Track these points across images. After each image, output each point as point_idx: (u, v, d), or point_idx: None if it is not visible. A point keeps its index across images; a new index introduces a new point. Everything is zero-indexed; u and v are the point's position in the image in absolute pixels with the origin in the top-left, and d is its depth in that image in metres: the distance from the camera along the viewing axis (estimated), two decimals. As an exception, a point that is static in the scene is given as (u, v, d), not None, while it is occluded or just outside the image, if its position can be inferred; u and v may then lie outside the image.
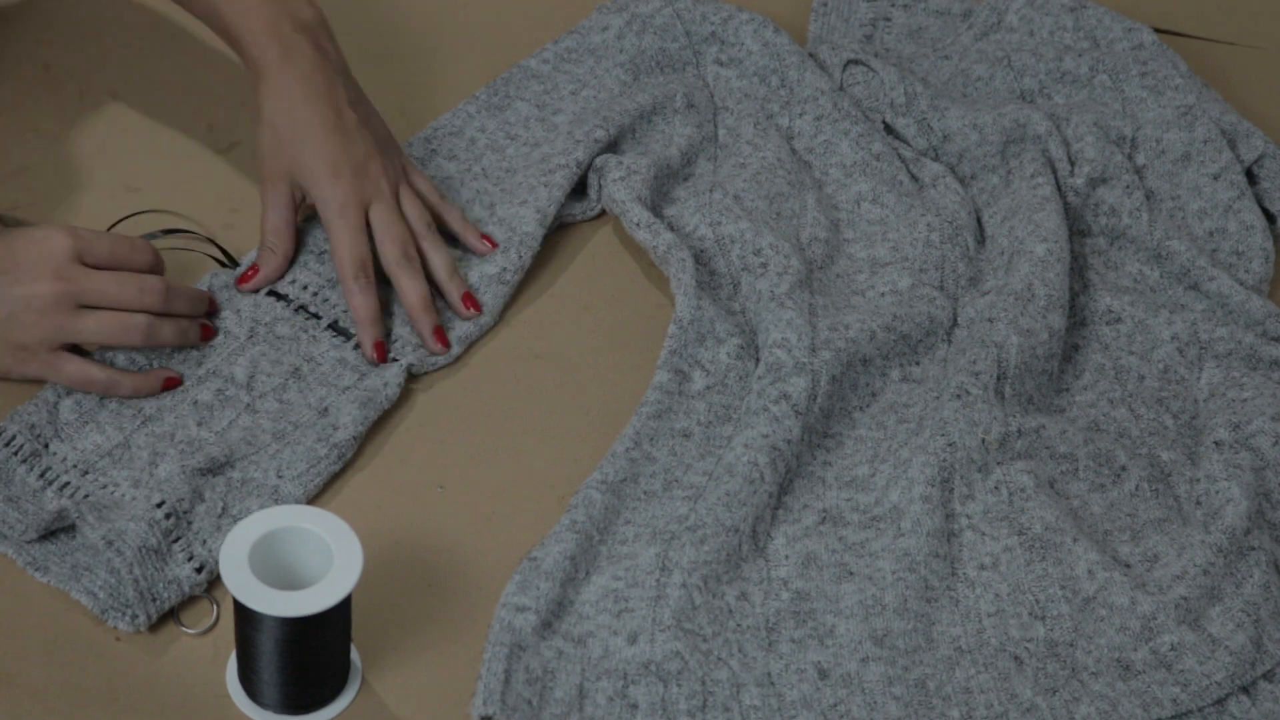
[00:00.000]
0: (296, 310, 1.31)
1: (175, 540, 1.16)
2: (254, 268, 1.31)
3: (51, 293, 1.19)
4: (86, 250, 1.20)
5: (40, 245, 1.19)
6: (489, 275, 1.34)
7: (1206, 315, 1.37)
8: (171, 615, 1.15)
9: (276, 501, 1.20)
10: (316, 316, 1.31)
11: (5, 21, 1.50)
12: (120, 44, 1.50)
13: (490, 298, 1.33)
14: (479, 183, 1.42)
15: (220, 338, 1.28)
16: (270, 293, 1.31)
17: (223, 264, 1.34)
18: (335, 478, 1.24)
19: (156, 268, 1.25)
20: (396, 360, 1.29)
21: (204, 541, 1.17)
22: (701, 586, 1.16)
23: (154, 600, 1.14)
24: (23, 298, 1.19)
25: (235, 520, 1.18)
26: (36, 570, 1.16)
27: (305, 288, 1.32)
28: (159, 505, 1.17)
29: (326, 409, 1.25)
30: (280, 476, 1.21)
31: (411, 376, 1.30)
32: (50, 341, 1.21)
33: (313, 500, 1.22)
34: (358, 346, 1.29)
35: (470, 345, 1.32)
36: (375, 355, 1.28)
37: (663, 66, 1.51)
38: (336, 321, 1.31)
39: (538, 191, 1.38)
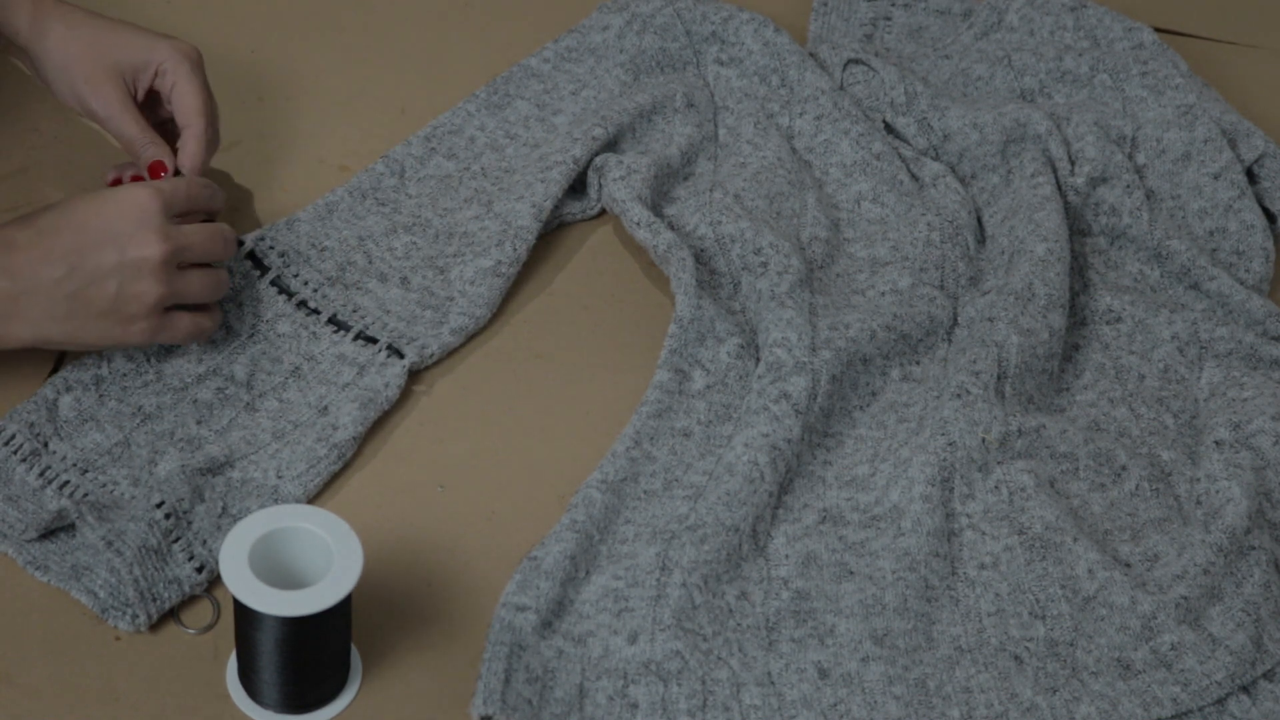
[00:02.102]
0: (298, 306, 1.31)
1: (175, 540, 1.16)
2: (158, 165, 1.29)
3: (160, 255, 1.17)
4: (171, 202, 1.19)
5: (131, 207, 1.17)
6: (484, 269, 1.34)
7: (1207, 315, 1.37)
8: (171, 615, 1.15)
9: (276, 501, 1.20)
10: (316, 312, 1.31)
11: (5, 21, 1.50)
12: (120, 44, 1.51)
13: (486, 290, 1.33)
14: (477, 181, 1.42)
15: (222, 333, 1.28)
16: (274, 284, 1.31)
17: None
18: (335, 477, 1.24)
19: (221, 206, 1.26)
20: (377, 341, 1.29)
21: (204, 541, 1.17)
22: (702, 586, 1.16)
23: (154, 600, 1.14)
24: (133, 264, 1.17)
25: (235, 520, 1.18)
26: (37, 569, 1.16)
27: (306, 283, 1.32)
28: (159, 505, 1.17)
29: (326, 408, 1.25)
30: (280, 476, 1.21)
31: (411, 375, 1.30)
32: (160, 305, 1.19)
33: (313, 500, 1.22)
34: (357, 338, 1.29)
35: (469, 339, 1.32)
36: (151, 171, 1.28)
37: (663, 66, 1.51)
38: (335, 315, 1.31)
39: (534, 188, 1.38)
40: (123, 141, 1.30)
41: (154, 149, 1.29)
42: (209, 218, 1.27)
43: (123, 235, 1.17)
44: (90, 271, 1.16)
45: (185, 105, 1.31)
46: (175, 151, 1.30)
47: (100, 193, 1.18)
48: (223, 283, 1.24)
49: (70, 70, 1.29)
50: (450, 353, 1.32)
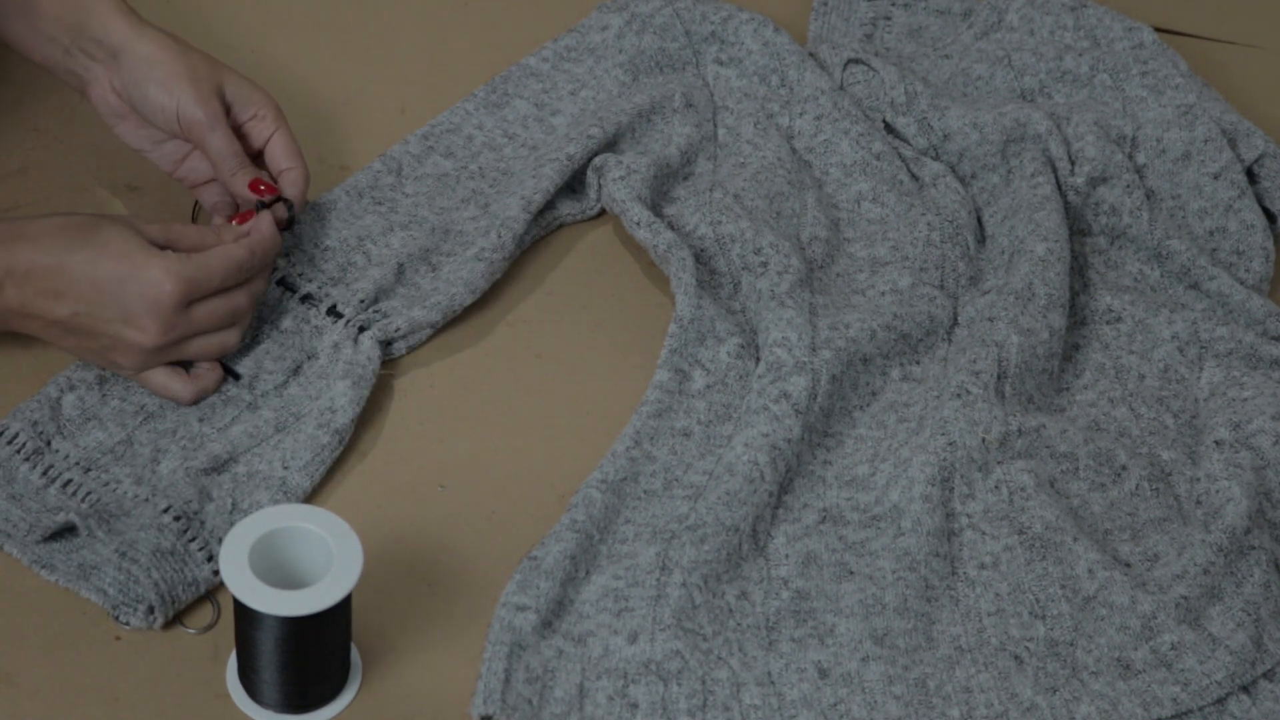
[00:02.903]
0: (302, 300, 1.31)
1: (191, 540, 1.16)
2: (258, 184, 1.29)
3: (151, 344, 1.20)
4: (194, 292, 1.20)
5: (149, 292, 1.18)
6: (467, 256, 1.34)
7: (1207, 314, 1.37)
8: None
9: (285, 492, 1.20)
10: (316, 304, 1.31)
11: (5, 21, 1.50)
12: (120, 44, 1.50)
13: (467, 274, 1.33)
14: (475, 181, 1.42)
15: None
16: (280, 282, 1.31)
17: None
18: (335, 477, 1.24)
19: (264, 274, 1.26)
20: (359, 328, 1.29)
21: (220, 540, 1.17)
22: (702, 586, 1.16)
23: (174, 603, 1.14)
24: (124, 341, 1.19)
25: (247, 515, 1.18)
26: (43, 569, 1.16)
27: (310, 280, 1.32)
28: (165, 510, 1.17)
29: (321, 394, 1.25)
30: (286, 467, 1.21)
31: (400, 360, 1.30)
32: (138, 373, 1.22)
33: (316, 493, 1.22)
34: (348, 323, 1.28)
35: (447, 319, 1.32)
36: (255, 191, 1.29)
37: (662, 66, 1.51)
38: (335, 306, 1.30)
39: (526, 184, 1.38)
40: (212, 154, 1.29)
41: (249, 169, 1.30)
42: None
43: (128, 313, 1.18)
44: (86, 325, 1.19)
45: (288, 150, 1.31)
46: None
47: (134, 257, 1.18)
48: (227, 346, 1.24)
49: (176, 76, 1.28)
50: (433, 335, 1.32)
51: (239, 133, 1.32)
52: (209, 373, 1.25)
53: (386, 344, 1.30)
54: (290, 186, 1.31)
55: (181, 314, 1.20)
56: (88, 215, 1.20)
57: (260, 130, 1.32)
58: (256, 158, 1.32)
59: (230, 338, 1.24)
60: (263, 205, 1.28)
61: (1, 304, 1.17)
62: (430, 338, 1.33)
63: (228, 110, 1.30)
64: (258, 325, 1.29)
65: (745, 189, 1.42)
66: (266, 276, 1.27)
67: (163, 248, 1.21)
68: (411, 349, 1.32)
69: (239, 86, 1.31)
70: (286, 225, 1.30)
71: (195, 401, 1.24)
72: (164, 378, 1.23)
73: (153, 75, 1.28)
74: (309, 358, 1.28)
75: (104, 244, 1.18)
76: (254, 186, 1.29)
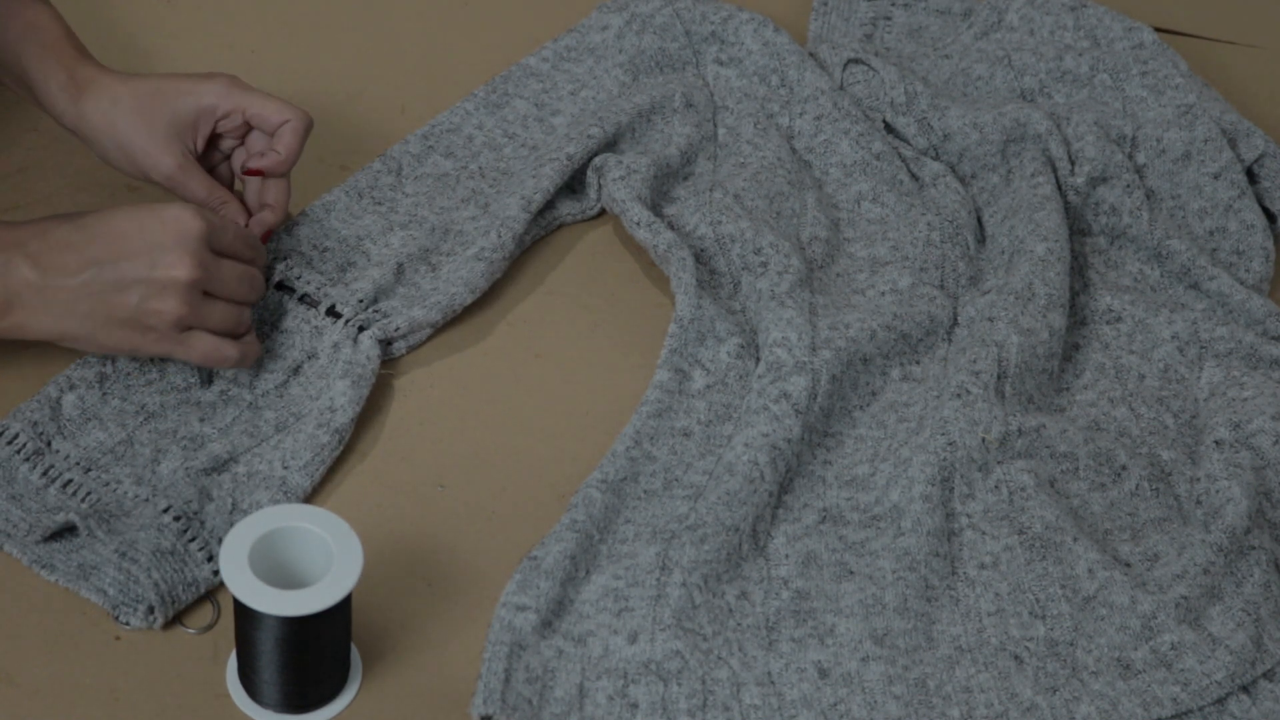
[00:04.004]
0: (301, 300, 1.31)
1: (191, 540, 1.16)
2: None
3: (188, 279, 1.17)
4: (215, 236, 1.19)
5: (173, 226, 1.16)
6: (467, 256, 1.34)
7: (1207, 314, 1.37)
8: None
9: (285, 492, 1.20)
10: (315, 304, 1.31)
11: (5, 21, 1.50)
12: (119, 44, 1.50)
13: (466, 273, 1.33)
14: (474, 181, 1.42)
15: None
16: (280, 285, 1.31)
17: None
18: (335, 477, 1.24)
19: (261, 262, 1.25)
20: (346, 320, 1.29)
21: (220, 540, 1.17)
22: (702, 585, 1.16)
23: (174, 603, 1.14)
24: (159, 281, 1.16)
25: (247, 515, 1.18)
26: (43, 569, 1.16)
27: (309, 283, 1.32)
28: (165, 510, 1.17)
29: (321, 393, 1.25)
30: (286, 467, 1.21)
31: (398, 360, 1.30)
32: (180, 325, 1.19)
33: (315, 494, 1.22)
34: (348, 323, 1.28)
35: (446, 318, 1.32)
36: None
37: (662, 66, 1.51)
38: (334, 306, 1.30)
39: (525, 184, 1.38)
40: (192, 201, 1.29)
41: (232, 206, 1.30)
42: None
43: (157, 250, 1.16)
44: (115, 279, 1.16)
45: (268, 111, 1.29)
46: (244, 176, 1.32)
47: (146, 205, 1.18)
48: (243, 320, 1.23)
49: (123, 145, 1.28)
50: (433, 335, 1.32)
51: (216, 139, 1.31)
52: (253, 341, 1.23)
53: (386, 343, 1.30)
54: (282, 142, 1.29)
55: (210, 254, 1.18)
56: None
57: (230, 126, 1.31)
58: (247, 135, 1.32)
59: (246, 315, 1.23)
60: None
61: (18, 280, 1.15)
62: (430, 337, 1.33)
63: (195, 129, 1.29)
64: (258, 326, 1.29)
65: (745, 189, 1.42)
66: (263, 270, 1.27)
67: None
68: (411, 348, 1.32)
69: (186, 102, 1.28)
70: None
71: (245, 364, 1.23)
72: (212, 340, 1.20)
73: (108, 151, 1.28)
74: (309, 358, 1.28)
75: (115, 208, 1.17)
76: None
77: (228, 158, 1.33)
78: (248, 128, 1.31)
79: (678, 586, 1.16)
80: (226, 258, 1.21)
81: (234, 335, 1.22)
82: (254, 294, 1.23)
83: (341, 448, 1.23)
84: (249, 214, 1.31)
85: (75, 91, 1.28)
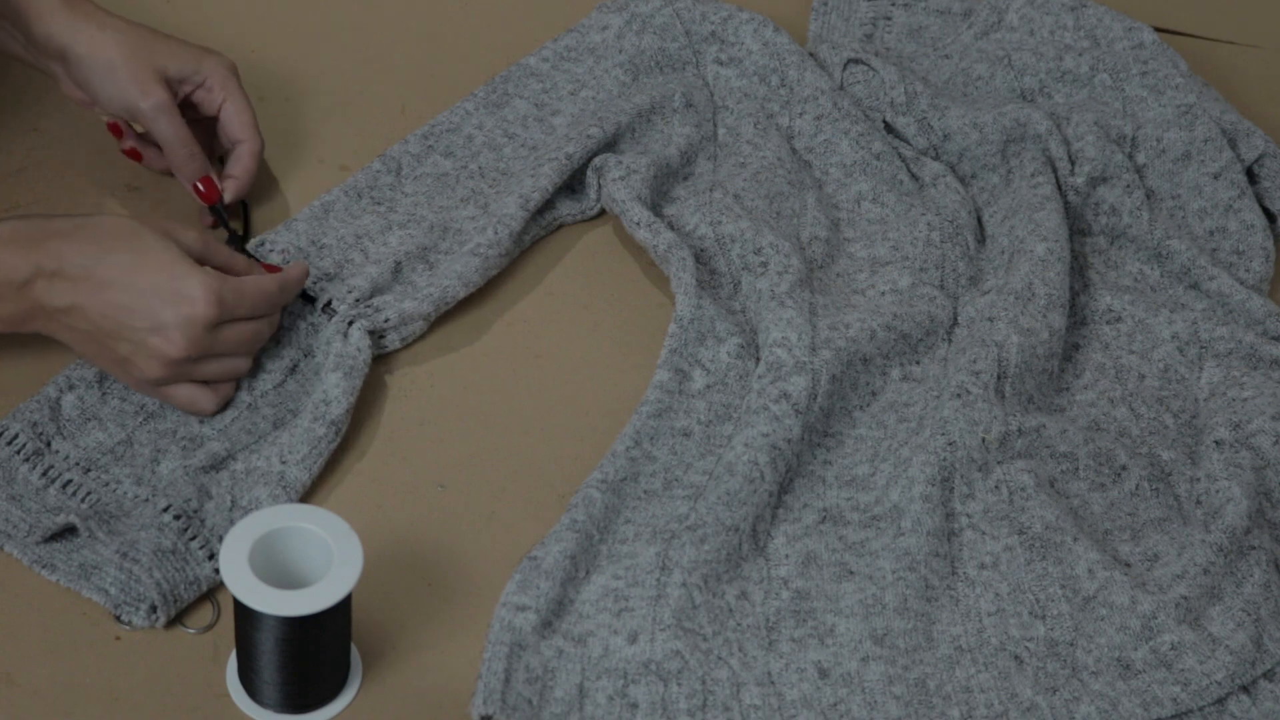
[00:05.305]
0: (299, 297, 1.31)
1: (192, 539, 1.16)
2: (207, 182, 1.32)
3: (177, 356, 1.18)
4: (226, 315, 1.19)
5: (184, 307, 1.17)
6: (464, 251, 1.34)
7: (1207, 314, 1.37)
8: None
9: (283, 487, 1.20)
10: (312, 300, 1.31)
11: (5, 21, 1.50)
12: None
13: (460, 267, 1.33)
14: (474, 181, 1.42)
15: None
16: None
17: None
18: (335, 477, 1.24)
19: (278, 311, 1.26)
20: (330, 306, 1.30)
21: (220, 538, 1.17)
22: (701, 586, 1.16)
23: (176, 602, 1.14)
24: (149, 347, 1.18)
25: (247, 512, 1.18)
26: (44, 569, 1.16)
27: (308, 279, 1.32)
28: (165, 509, 1.17)
29: (315, 389, 1.25)
30: (284, 462, 1.21)
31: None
32: (158, 384, 1.21)
33: (315, 494, 1.22)
34: (341, 318, 1.28)
35: (439, 310, 1.32)
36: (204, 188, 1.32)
37: (662, 66, 1.51)
38: (330, 302, 1.30)
39: (525, 183, 1.38)
40: (164, 142, 1.31)
41: (199, 161, 1.31)
42: None
43: (158, 322, 1.17)
44: (113, 329, 1.17)
45: (239, 120, 1.33)
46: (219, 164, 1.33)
47: (175, 267, 1.17)
48: (237, 372, 1.23)
49: (115, 69, 1.29)
50: (430, 332, 1.32)
51: (190, 103, 1.32)
52: (228, 385, 1.25)
53: (380, 336, 1.30)
54: (237, 163, 1.33)
55: (210, 333, 1.19)
56: (128, 219, 1.19)
57: (209, 100, 1.33)
58: (215, 125, 1.35)
59: (243, 364, 1.24)
60: (215, 210, 1.34)
61: (29, 302, 1.16)
62: (427, 335, 1.33)
63: (178, 88, 1.31)
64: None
65: (745, 189, 1.42)
66: (280, 311, 1.27)
67: (198, 261, 1.20)
68: (405, 341, 1.31)
69: (183, 60, 1.30)
70: (220, 224, 1.34)
71: (218, 411, 1.24)
72: (190, 391, 1.21)
73: (95, 72, 1.29)
74: (306, 355, 1.28)
75: (144, 250, 1.17)
76: (196, 189, 1.32)
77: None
78: (211, 118, 1.34)
79: (678, 586, 1.16)
80: (238, 323, 1.21)
81: (235, 376, 1.24)
82: (254, 347, 1.24)
83: (339, 440, 1.23)
84: (217, 173, 1.34)
85: (69, 12, 1.29)
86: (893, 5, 1.58)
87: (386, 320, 1.29)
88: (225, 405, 1.24)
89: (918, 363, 1.33)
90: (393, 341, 1.31)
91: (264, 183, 1.41)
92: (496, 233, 1.35)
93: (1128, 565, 1.21)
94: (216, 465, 1.21)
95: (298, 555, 1.10)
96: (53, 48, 1.30)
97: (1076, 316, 1.38)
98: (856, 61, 1.51)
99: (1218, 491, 1.23)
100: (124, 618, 1.14)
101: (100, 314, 1.17)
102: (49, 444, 1.22)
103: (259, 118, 1.41)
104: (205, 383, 1.22)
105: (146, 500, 1.19)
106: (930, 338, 1.34)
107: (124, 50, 1.29)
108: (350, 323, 1.28)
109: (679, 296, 1.31)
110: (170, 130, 1.30)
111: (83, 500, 1.19)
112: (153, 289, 1.17)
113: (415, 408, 1.29)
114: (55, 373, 1.25)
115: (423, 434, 1.27)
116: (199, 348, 1.19)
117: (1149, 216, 1.42)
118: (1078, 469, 1.26)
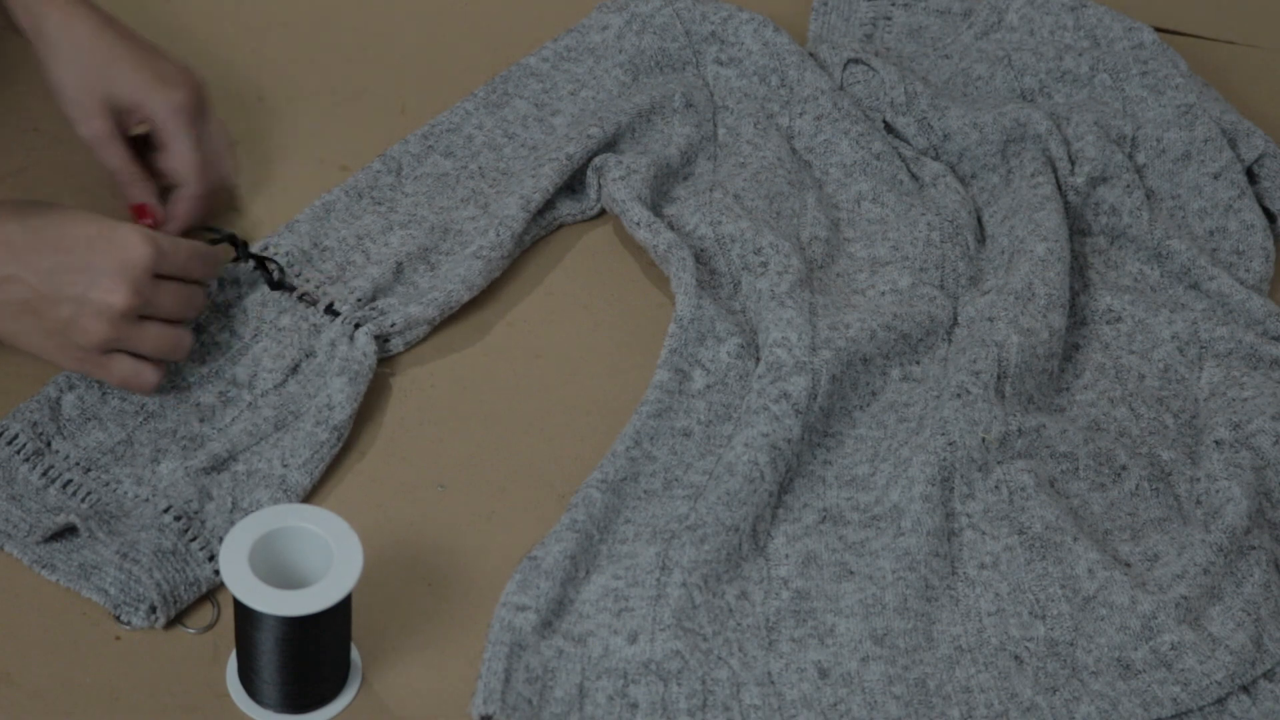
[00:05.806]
0: (300, 298, 1.31)
1: (193, 540, 1.16)
2: (142, 208, 1.31)
3: (123, 305, 1.16)
4: (164, 262, 1.18)
5: (120, 252, 1.16)
6: (466, 254, 1.34)
7: (1207, 314, 1.37)
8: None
9: (284, 490, 1.20)
10: (314, 302, 1.31)
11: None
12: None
13: (464, 271, 1.33)
14: (474, 181, 1.42)
15: (226, 335, 1.28)
16: (279, 284, 1.31)
17: (236, 259, 1.33)
18: (335, 477, 1.24)
19: (214, 276, 1.25)
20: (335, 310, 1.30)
21: (221, 539, 1.17)
22: (701, 585, 1.16)
23: (176, 603, 1.14)
24: (92, 302, 1.16)
25: (248, 513, 1.18)
26: (44, 569, 1.16)
27: (309, 280, 1.32)
28: (166, 510, 1.17)
29: (318, 390, 1.25)
30: (286, 465, 1.21)
31: (395, 357, 1.30)
32: (104, 347, 1.19)
33: (315, 494, 1.22)
34: (345, 321, 1.28)
35: (444, 314, 1.32)
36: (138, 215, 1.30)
37: (662, 66, 1.51)
38: (332, 304, 1.30)
39: (525, 183, 1.38)
40: (106, 168, 1.30)
41: (139, 188, 1.30)
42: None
43: (98, 273, 1.16)
44: (53, 292, 1.16)
45: (179, 162, 1.31)
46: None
47: (102, 222, 1.17)
48: (180, 342, 1.22)
49: (63, 89, 1.29)
50: (431, 333, 1.32)
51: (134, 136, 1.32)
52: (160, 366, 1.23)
53: (384, 340, 1.30)
54: (176, 204, 1.32)
55: (150, 281, 1.17)
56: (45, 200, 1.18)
57: (155, 136, 1.31)
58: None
59: (185, 337, 1.22)
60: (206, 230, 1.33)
61: None
62: (428, 336, 1.33)
63: (121, 118, 1.30)
64: (256, 325, 1.29)
65: (745, 189, 1.42)
66: (206, 293, 1.26)
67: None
68: (409, 344, 1.32)
69: (132, 89, 1.29)
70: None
71: (158, 390, 1.22)
72: (133, 364, 1.20)
73: (46, 78, 1.29)
74: (307, 356, 1.28)
75: (71, 212, 1.17)
76: (138, 215, 1.31)
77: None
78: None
79: (678, 586, 1.16)
80: (175, 279, 1.20)
81: (170, 359, 1.22)
82: (192, 312, 1.22)
83: (340, 444, 1.23)
84: (159, 200, 1.32)
85: (32, 15, 1.28)
86: (893, 5, 1.58)
87: (392, 325, 1.29)
88: (162, 381, 1.22)
89: (918, 363, 1.33)
90: (396, 345, 1.31)
91: (264, 182, 1.41)
92: (498, 235, 1.35)
93: (1128, 565, 1.21)
94: (217, 466, 1.21)
95: (298, 555, 1.10)
96: (21, 26, 1.29)
97: (1076, 316, 1.38)
98: (856, 61, 1.51)
99: (1218, 491, 1.23)
100: (124, 618, 1.14)
101: (38, 278, 1.15)
102: (49, 444, 1.22)
103: (259, 118, 1.41)
104: (144, 359, 1.21)
105: (147, 500, 1.19)
106: (930, 338, 1.34)
107: (73, 73, 1.27)
108: (356, 326, 1.28)
109: (679, 296, 1.31)
110: (109, 159, 1.29)
111: (83, 500, 1.19)
112: (86, 242, 1.16)
113: (416, 408, 1.29)
114: (55, 373, 1.25)
115: (423, 434, 1.27)
116: (142, 295, 1.17)
117: (1149, 216, 1.42)
118: (1078, 469, 1.26)
